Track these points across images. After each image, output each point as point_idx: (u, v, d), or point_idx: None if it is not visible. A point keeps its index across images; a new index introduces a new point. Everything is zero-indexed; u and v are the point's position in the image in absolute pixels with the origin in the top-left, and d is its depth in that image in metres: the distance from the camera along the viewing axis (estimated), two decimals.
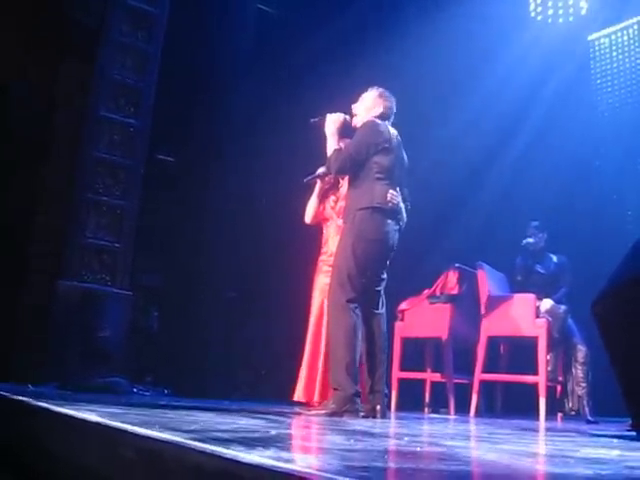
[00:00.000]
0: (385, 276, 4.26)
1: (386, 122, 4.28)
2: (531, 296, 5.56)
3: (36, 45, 5.79)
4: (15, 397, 3.13)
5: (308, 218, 4.78)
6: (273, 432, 2.41)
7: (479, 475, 1.60)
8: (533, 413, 5.32)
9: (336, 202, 4.73)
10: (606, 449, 2.47)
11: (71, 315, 5.13)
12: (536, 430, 4.07)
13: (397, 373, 5.84)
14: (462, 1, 7.11)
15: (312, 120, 4.40)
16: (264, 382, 6.23)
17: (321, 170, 4.67)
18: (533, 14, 8.27)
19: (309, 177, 4.73)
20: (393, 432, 2.87)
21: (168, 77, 5.96)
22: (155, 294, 6.27)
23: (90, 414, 2.37)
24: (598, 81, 8.12)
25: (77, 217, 5.43)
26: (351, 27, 6.89)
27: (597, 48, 8.17)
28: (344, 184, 4.70)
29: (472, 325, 5.74)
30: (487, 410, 5.85)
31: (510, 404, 6.03)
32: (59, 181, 5.58)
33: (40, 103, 5.71)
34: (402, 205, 4.19)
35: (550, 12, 8.23)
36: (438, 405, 5.91)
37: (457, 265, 6.00)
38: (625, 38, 7.92)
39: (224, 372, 6.16)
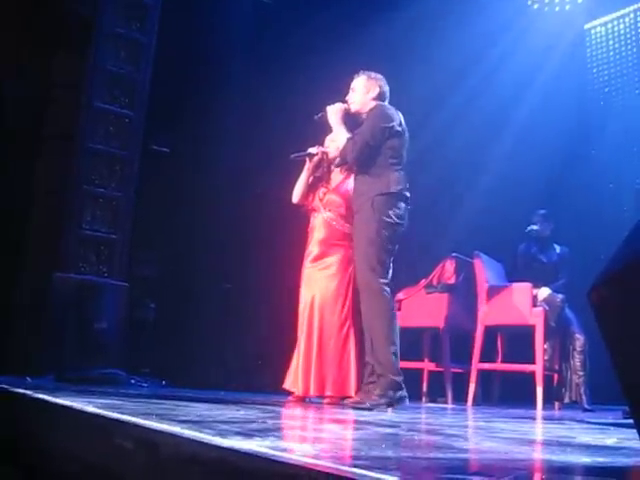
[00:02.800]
0: None
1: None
2: (528, 285, 5.56)
3: (29, 36, 5.76)
4: (13, 389, 3.13)
5: (295, 197, 4.64)
6: (270, 422, 2.41)
7: (477, 463, 1.61)
8: (530, 402, 5.33)
9: (325, 194, 4.66)
10: (603, 437, 2.48)
11: (68, 307, 5.12)
12: (533, 418, 4.09)
13: None
14: None
15: (316, 117, 4.39)
16: (260, 373, 6.22)
17: (311, 150, 4.62)
18: (530, 2, 8.24)
19: (297, 154, 4.65)
20: (390, 421, 2.87)
21: (163, 67, 5.93)
22: (152, 285, 6.26)
23: (88, 405, 2.38)
24: (594, 70, 8.12)
25: (73, 209, 5.42)
26: (347, 13, 6.86)
27: (593, 37, 8.16)
28: (335, 177, 4.66)
29: (469, 314, 5.75)
30: (484, 399, 5.86)
31: (507, 393, 6.04)
32: (55, 173, 5.56)
33: (34, 95, 5.68)
34: None
35: (546, 0, 8.21)
36: (435, 394, 5.92)
37: (454, 254, 6.00)
38: (621, 27, 7.91)
39: (220, 363, 6.16)
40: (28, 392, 2.99)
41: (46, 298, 5.15)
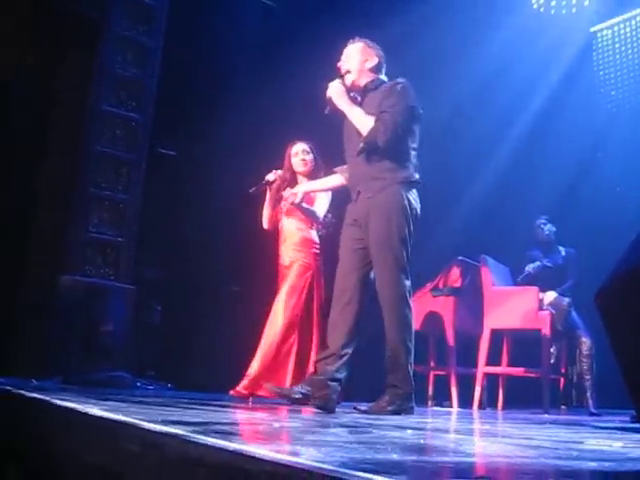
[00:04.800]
0: None
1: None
2: (534, 288, 5.56)
3: (37, 39, 5.79)
4: (19, 392, 3.13)
5: (265, 224, 4.70)
6: (276, 425, 2.41)
7: (484, 467, 1.60)
8: (537, 406, 5.32)
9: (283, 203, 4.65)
10: (610, 441, 2.47)
11: (74, 309, 5.14)
12: (540, 422, 4.07)
13: None
14: None
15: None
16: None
17: (269, 177, 4.60)
18: (536, 6, 8.23)
19: (254, 188, 4.59)
20: (396, 425, 2.87)
21: (169, 69, 5.94)
22: (158, 288, 6.27)
23: (94, 408, 2.38)
24: (601, 73, 8.11)
25: (80, 212, 5.43)
26: (351, 13, 6.88)
27: (600, 40, 8.15)
28: (289, 188, 4.60)
29: (475, 318, 5.74)
30: (490, 403, 5.85)
31: (513, 397, 6.03)
32: (62, 176, 5.58)
33: (41, 98, 5.70)
34: None
35: (553, 3, 8.20)
36: (441, 398, 5.91)
37: (460, 258, 6.00)
38: (627, 30, 7.90)
39: (227, 366, 6.15)
40: (33, 394, 2.99)
41: (52, 300, 5.17)
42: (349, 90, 3.83)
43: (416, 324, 5.86)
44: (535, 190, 7.15)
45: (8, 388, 3.30)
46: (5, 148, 5.89)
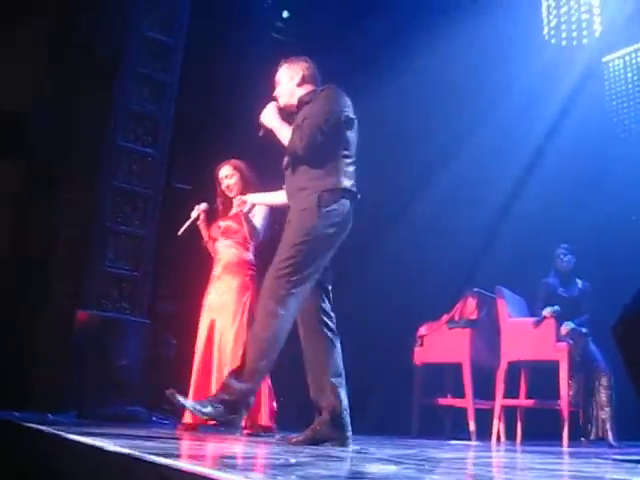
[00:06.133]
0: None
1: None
2: (551, 320, 5.51)
3: (56, 76, 5.90)
4: (35, 426, 3.14)
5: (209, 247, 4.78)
6: (293, 460, 2.39)
7: None
8: (556, 438, 5.25)
9: (224, 222, 4.71)
10: (630, 475, 2.43)
11: (89, 344, 5.16)
12: (559, 455, 4.02)
13: (418, 399, 5.83)
14: (474, 25, 7.14)
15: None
16: (283, 410, 6.18)
17: (193, 214, 4.61)
18: (547, 37, 8.29)
19: (182, 229, 4.57)
20: (415, 459, 2.84)
21: (185, 105, 6.01)
22: (173, 322, 6.27)
23: (109, 443, 2.37)
24: (613, 102, 8.11)
25: (96, 246, 5.48)
26: (366, 48, 6.98)
27: (612, 70, 8.17)
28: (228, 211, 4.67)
29: (492, 350, 5.70)
30: (509, 436, 5.78)
31: (532, 430, 5.96)
32: (78, 210, 5.64)
33: (59, 133, 5.79)
34: None
35: (564, 35, 8.25)
36: (459, 431, 5.85)
37: (475, 289, 5.97)
38: (639, 59, 7.92)
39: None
40: (49, 429, 2.99)
41: (68, 334, 5.20)
42: (284, 111, 3.76)
43: (432, 357, 5.89)
44: (546, 220, 7.13)
45: (25, 423, 3.31)
46: (24, 183, 5.98)
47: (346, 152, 3.57)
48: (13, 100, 5.92)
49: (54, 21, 6.05)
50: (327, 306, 3.57)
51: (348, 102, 3.61)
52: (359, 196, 3.60)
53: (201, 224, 4.68)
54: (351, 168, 3.58)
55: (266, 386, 4.42)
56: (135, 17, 5.79)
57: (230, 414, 3.30)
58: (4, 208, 5.92)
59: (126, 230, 5.57)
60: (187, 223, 4.57)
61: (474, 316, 5.84)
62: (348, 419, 3.43)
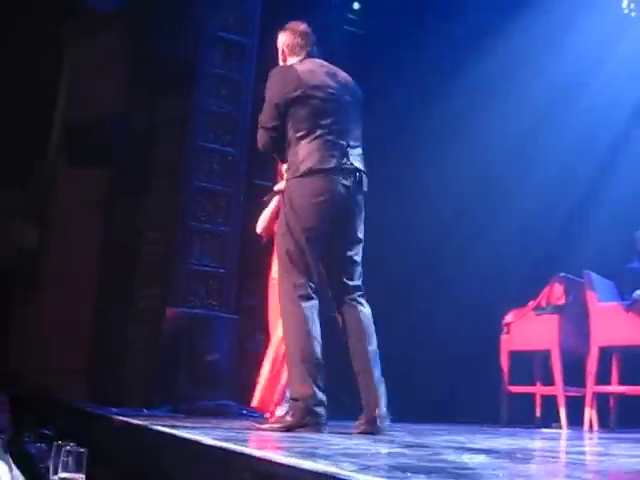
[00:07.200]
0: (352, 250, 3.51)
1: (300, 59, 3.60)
2: None
3: (134, 81, 6.08)
4: (133, 421, 3.26)
5: (259, 228, 4.45)
6: (383, 451, 2.41)
7: None
8: None
9: None
10: None
11: (180, 340, 5.31)
12: None
13: (506, 387, 5.75)
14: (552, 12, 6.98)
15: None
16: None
17: (279, 187, 4.49)
18: (626, 11, 7.97)
19: (267, 196, 4.41)
20: (506, 449, 2.82)
21: (262, 104, 6.08)
22: (258, 316, 6.37)
23: (204, 436, 2.44)
24: None
25: (182, 245, 5.62)
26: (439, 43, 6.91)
27: None
28: None
29: (581, 336, 5.56)
30: (602, 424, 5.64)
31: (625, 417, 5.80)
32: (162, 211, 5.81)
33: (140, 136, 5.97)
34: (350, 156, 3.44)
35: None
36: (549, 419, 5.75)
37: (562, 274, 5.84)
38: None
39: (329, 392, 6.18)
40: (146, 423, 3.10)
41: (159, 332, 5.36)
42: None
43: (520, 344, 5.80)
44: (632, 201, 6.90)
45: (124, 418, 3.44)
46: (110, 185, 6.19)
47: (301, 133, 3.37)
48: (96, 109, 6.14)
49: (130, 28, 6.24)
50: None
51: (292, 82, 3.41)
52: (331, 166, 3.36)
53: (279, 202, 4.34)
54: (315, 142, 3.36)
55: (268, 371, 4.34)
56: (208, 18, 5.89)
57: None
58: (93, 213, 6.16)
59: (210, 229, 5.69)
60: (273, 192, 4.34)
61: (562, 302, 5.71)
62: (321, 409, 3.25)
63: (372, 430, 3.26)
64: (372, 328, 3.45)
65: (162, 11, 5.95)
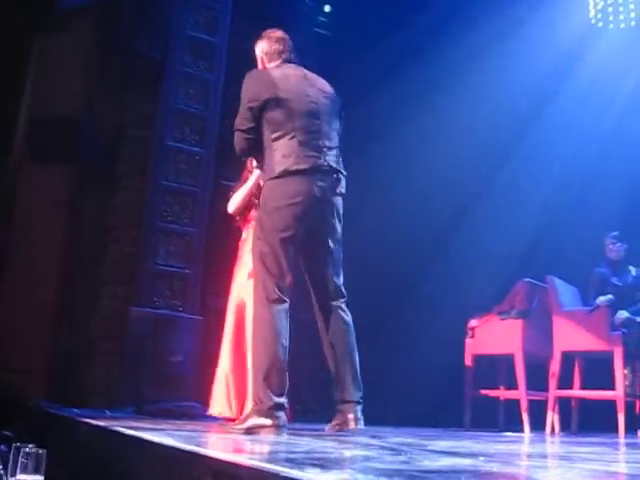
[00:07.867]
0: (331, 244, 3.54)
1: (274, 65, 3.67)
2: (604, 309, 5.42)
3: (102, 78, 6.00)
4: (95, 422, 3.21)
5: (231, 208, 4.38)
6: (347, 454, 2.41)
7: None
8: (611, 430, 5.17)
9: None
10: None
11: (144, 340, 5.25)
12: (616, 447, 3.96)
13: (470, 391, 5.79)
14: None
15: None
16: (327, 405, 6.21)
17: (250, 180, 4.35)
18: (593, 21, 8.10)
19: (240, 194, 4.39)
20: (468, 451, 2.83)
21: (231, 104, 6.06)
22: (223, 317, 6.33)
23: (166, 438, 2.42)
24: None
25: (147, 245, 5.57)
26: (407, 46, 6.95)
27: None
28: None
29: (545, 340, 5.63)
30: (563, 427, 5.71)
31: (587, 421, 5.87)
32: (128, 210, 5.74)
33: (107, 134, 5.89)
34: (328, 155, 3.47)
35: (611, 18, 8.06)
36: (512, 423, 5.80)
37: (526, 280, 5.90)
38: None
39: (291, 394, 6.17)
40: (107, 424, 3.06)
41: (123, 332, 5.30)
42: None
43: (484, 348, 5.84)
44: (602, 208, 7.00)
45: (85, 419, 3.39)
46: (75, 184, 6.10)
47: (276, 134, 3.41)
48: (61, 105, 6.04)
49: (99, 24, 6.16)
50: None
51: (262, 87, 3.47)
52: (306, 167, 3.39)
53: (254, 185, 4.27)
54: (291, 144, 3.39)
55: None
56: (178, 17, 5.86)
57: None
58: (58, 211, 6.06)
59: (176, 228, 5.65)
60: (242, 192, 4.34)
61: (525, 306, 5.78)
62: (281, 412, 3.26)
63: (346, 429, 3.32)
64: (353, 336, 3.53)
65: (132, 8, 5.89)
